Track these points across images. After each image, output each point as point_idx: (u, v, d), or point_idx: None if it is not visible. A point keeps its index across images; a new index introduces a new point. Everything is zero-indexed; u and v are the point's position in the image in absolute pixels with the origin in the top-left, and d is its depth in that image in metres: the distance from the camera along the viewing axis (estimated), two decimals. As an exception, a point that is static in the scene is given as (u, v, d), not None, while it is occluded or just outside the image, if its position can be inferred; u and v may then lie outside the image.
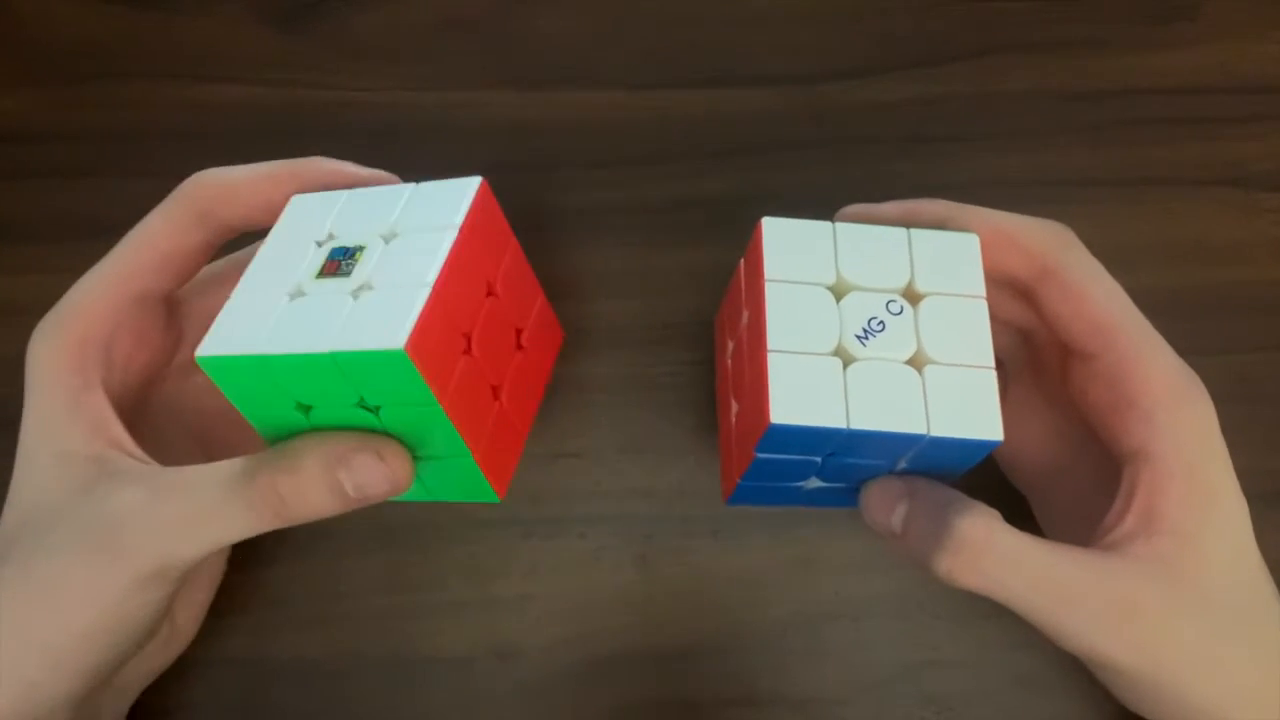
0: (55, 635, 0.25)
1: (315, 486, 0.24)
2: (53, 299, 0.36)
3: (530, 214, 0.36)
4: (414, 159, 0.37)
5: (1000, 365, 0.32)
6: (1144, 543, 0.25)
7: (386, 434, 0.25)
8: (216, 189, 0.28)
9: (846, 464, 0.26)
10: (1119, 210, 0.37)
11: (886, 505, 0.26)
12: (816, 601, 0.34)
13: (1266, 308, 0.36)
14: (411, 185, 0.26)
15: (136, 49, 0.39)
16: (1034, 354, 0.31)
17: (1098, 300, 0.26)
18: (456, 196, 0.25)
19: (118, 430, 0.27)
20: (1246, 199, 0.37)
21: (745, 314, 0.28)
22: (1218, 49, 0.38)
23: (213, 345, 0.24)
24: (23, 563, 0.25)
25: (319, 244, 0.26)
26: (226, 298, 0.25)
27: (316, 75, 0.38)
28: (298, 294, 0.25)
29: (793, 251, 0.25)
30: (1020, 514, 0.32)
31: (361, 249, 0.25)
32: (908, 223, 0.26)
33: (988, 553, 0.24)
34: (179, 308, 0.30)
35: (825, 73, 0.38)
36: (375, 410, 0.24)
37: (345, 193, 0.27)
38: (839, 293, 0.25)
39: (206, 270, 0.30)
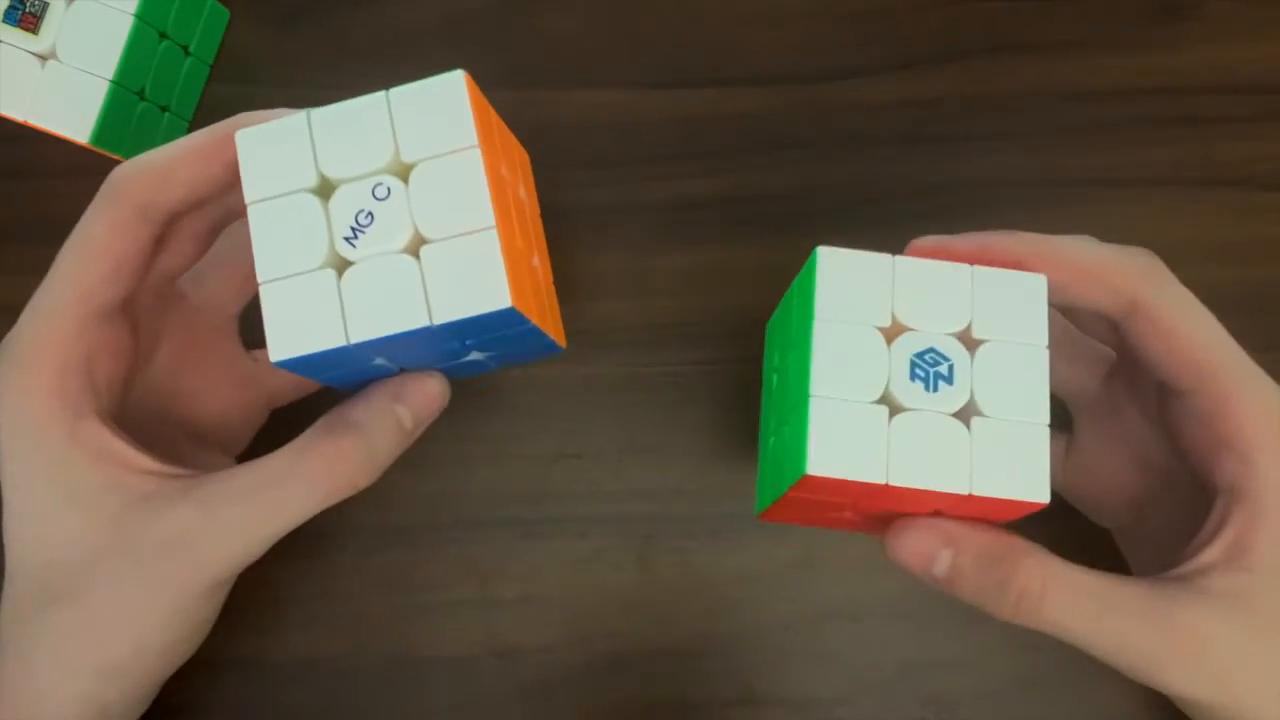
0: (129, 658, 0.26)
1: (381, 429, 0.26)
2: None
3: (530, 214, 0.36)
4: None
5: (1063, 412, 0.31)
6: (1222, 575, 0.25)
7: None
8: (149, 179, 0.26)
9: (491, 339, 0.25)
10: (1119, 210, 0.37)
11: (923, 556, 0.25)
12: (816, 601, 0.34)
13: (1266, 308, 0.36)
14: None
15: (136, 49, 0.39)
16: (1128, 384, 0.29)
17: (1190, 336, 0.25)
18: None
19: (125, 451, 0.26)
20: (1246, 199, 0.37)
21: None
22: (1218, 49, 0.38)
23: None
24: (76, 599, 0.25)
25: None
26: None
27: (316, 75, 0.38)
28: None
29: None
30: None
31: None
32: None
33: (1048, 598, 0.24)
34: (136, 301, 0.29)
35: (825, 73, 0.38)
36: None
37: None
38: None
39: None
